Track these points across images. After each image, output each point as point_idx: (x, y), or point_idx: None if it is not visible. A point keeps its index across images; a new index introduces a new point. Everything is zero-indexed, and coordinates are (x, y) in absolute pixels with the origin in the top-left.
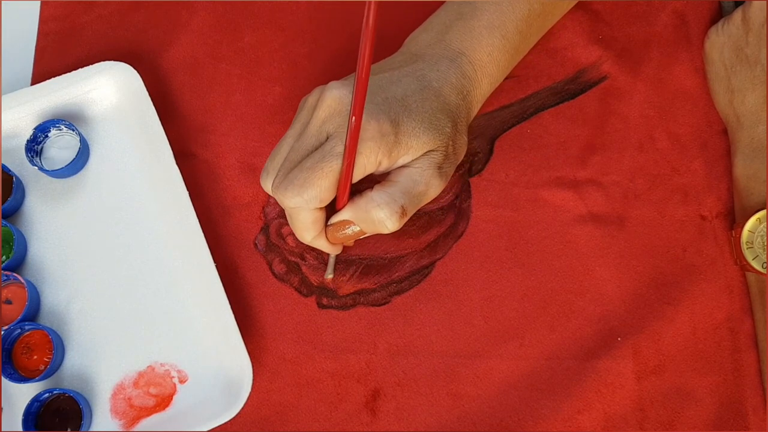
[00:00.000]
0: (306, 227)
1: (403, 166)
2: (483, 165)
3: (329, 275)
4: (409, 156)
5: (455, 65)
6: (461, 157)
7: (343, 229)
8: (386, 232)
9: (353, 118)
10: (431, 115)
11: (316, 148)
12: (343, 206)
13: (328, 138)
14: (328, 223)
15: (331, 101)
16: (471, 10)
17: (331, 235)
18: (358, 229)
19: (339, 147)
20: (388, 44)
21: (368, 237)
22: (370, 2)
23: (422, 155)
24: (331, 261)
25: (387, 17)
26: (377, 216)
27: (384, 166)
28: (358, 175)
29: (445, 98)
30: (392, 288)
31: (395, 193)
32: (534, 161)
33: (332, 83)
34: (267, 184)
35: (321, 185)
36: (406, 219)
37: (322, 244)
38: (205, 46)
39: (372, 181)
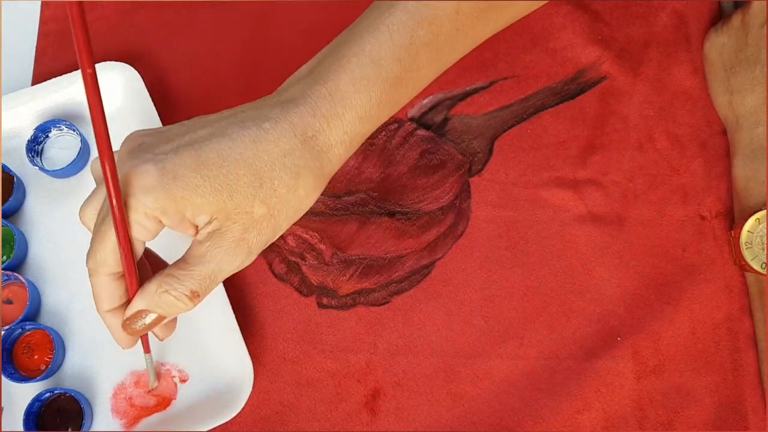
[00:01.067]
0: (100, 295)
1: (197, 240)
2: (483, 165)
3: (154, 384)
4: (202, 217)
5: (304, 102)
6: (292, 219)
7: (141, 319)
8: (184, 312)
9: (110, 194)
10: (229, 171)
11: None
12: (134, 294)
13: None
14: (124, 317)
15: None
16: (348, 37)
17: (129, 329)
18: (155, 315)
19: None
20: None
21: (368, 237)
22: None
23: (216, 228)
24: (151, 366)
25: None
26: (167, 300)
27: (172, 225)
28: (142, 237)
29: (267, 146)
30: (392, 288)
31: (183, 276)
32: (534, 161)
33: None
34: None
35: (103, 250)
36: (202, 299)
37: (115, 326)
38: (205, 46)
39: None
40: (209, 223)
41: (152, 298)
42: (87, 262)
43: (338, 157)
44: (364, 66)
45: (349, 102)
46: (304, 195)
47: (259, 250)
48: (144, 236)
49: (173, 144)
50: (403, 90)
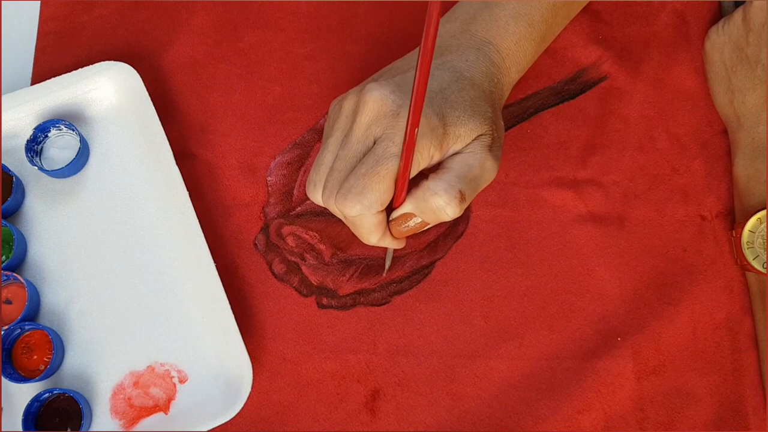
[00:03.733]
0: (370, 231)
1: (454, 154)
2: None
3: (388, 269)
4: (459, 144)
5: (482, 54)
6: (503, 140)
7: (406, 223)
8: (447, 219)
9: (410, 118)
10: (472, 103)
11: (365, 153)
12: (402, 202)
13: (375, 141)
14: (390, 218)
15: (374, 104)
16: (494, 1)
17: (395, 231)
18: (420, 220)
19: (392, 148)
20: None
21: None
22: (432, 2)
23: (472, 141)
24: (390, 255)
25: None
26: (436, 204)
27: (436, 159)
28: (413, 172)
29: (480, 86)
30: (392, 288)
31: (451, 179)
32: (534, 161)
33: (370, 85)
34: (316, 196)
35: (380, 189)
36: (465, 204)
37: (387, 242)
38: (205, 46)
39: (422, 175)
40: (478, 138)
41: (419, 202)
42: (357, 206)
43: (505, 99)
44: (522, 28)
45: (513, 58)
46: (503, 124)
47: (499, 164)
48: (414, 171)
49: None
50: (545, 44)
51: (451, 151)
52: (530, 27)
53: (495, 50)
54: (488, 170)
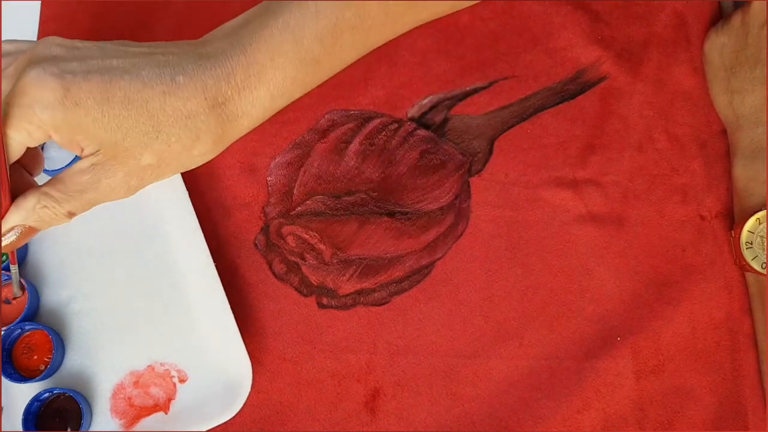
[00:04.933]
0: None
1: (80, 169)
2: (483, 165)
3: (18, 293)
4: (92, 145)
5: (221, 65)
6: (177, 171)
7: (14, 232)
8: (58, 225)
9: None
10: (130, 114)
11: None
12: (6, 210)
13: None
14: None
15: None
16: (278, 6)
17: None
18: (20, 232)
19: None
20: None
21: (368, 237)
22: None
23: (101, 163)
24: (16, 277)
25: None
26: (45, 215)
27: (61, 143)
28: (26, 142)
29: (175, 103)
30: (392, 288)
31: (63, 199)
32: (534, 161)
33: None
34: None
35: None
36: (73, 218)
37: None
38: None
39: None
40: (95, 154)
41: (29, 213)
42: None
43: (242, 127)
44: (285, 42)
45: (264, 76)
46: (198, 155)
47: (138, 190)
48: (28, 142)
49: (84, 65)
50: (320, 71)
51: (81, 142)
52: (296, 44)
53: (243, 63)
54: (109, 198)
